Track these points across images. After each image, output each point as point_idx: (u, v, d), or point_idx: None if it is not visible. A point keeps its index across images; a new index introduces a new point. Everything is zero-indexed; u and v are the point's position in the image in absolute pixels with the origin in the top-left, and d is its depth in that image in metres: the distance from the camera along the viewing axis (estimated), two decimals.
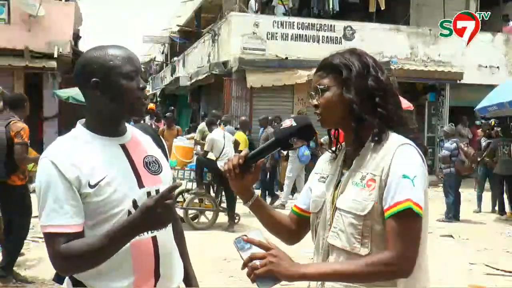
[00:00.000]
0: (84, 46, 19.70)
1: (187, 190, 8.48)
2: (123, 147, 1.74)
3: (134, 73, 1.70)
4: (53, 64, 13.64)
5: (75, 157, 1.64)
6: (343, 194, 1.65)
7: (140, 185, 1.72)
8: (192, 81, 17.20)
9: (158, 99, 24.17)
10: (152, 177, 1.77)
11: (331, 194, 1.70)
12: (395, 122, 1.64)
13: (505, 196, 9.96)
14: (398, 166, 1.54)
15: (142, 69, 28.23)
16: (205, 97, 18.05)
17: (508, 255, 6.99)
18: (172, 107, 18.50)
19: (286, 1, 15.82)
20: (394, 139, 1.61)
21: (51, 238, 1.60)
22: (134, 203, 1.69)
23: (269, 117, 11.58)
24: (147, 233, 1.69)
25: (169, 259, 1.79)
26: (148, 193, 1.73)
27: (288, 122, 1.69)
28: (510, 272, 5.98)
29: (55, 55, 13.76)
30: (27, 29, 13.84)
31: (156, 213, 1.54)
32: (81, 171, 1.62)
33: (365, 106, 1.61)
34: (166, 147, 2.00)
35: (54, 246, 1.59)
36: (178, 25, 23.47)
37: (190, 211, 8.27)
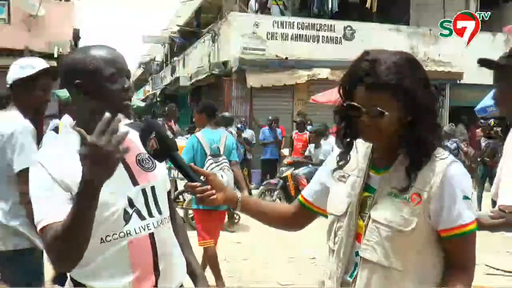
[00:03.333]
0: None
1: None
2: None
3: (117, 74, 1.68)
4: (53, 64, 13.61)
5: (64, 161, 1.62)
6: (379, 205, 1.57)
7: (134, 182, 1.72)
8: (192, 81, 17.20)
9: (158, 99, 24.17)
10: (146, 174, 1.76)
11: (356, 198, 1.63)
12: (439, 140, 1.59)
13: None
14: (457, 187, 1.52)
15: (143, 68, 27.82)
16: (205, 97, 18.05)
17: (508, 255, 6.99)
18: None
19: (279, 1, 15.85)
20: (441, 155, 1.56)
21: (44, 233, 1.54)
22: (130, 201, 1.69)
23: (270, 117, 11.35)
24: (143, 230, 1.69)
25: (169, 256, 1.78)
26: (143, 190, 1.73)
27: (151, 141, 1.66)
28: (510, 272, 5.98)
29: (55, 55, 13.75)
30: (27, 29, 13.84)
31: (98, 157, 1.33)
32: (71, 176, 1.59)
33: (420, 126, 1.53)
34: None
35: (46, 239, 1.53)
36: (178, 25, 23.47)
37: (190, 211, 8.26)
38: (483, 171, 10.31)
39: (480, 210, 10.29)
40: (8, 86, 2.94)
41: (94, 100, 1.68)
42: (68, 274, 1.72)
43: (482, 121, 11.88)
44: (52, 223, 1.52)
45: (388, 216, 1.53)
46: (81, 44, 18.51)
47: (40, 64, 2.93)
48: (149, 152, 1.69)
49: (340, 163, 1.71)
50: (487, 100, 10.56)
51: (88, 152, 1.33)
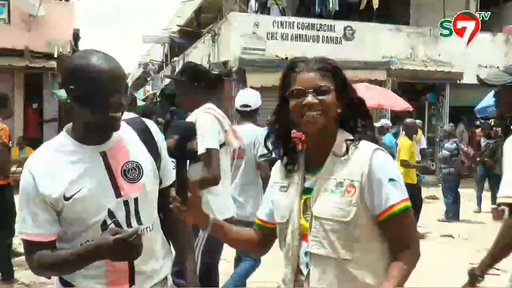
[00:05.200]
0: (83, 46, 19.70)
1: None
2: (104, 154, 1.75)
3: (111, 89, 1.67)
4: (53, 64, 13.64)
5: (52, 171, 1.69)
6: (319, 202, 1.66)
7: (117, 194, 1.74)
8: None
9: (158, 99, 24.15)
10: (130, 185, 1.77)
11: (297, 203, 1.71)
12: (366, 132, 1.71)
13: None
14: (382, 172, 1.63)
15: (143, 68, 27.67)
16: None
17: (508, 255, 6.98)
18: (173, 108, 18.45)
19: (279, 1, 15.84)
20: (365, 145, 1.67)
21: (24, 244, 1.74)
22: (110, 212, 1.73)
23: None
24: None
25: (146, 263, 1.82)
26: (125, 202, 1.76)
27: (170, 140, 1.69)
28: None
29: (55, 55, 13.77)
30: (27, 29, 13.85)
31: (115, 250, 1.58)
32: (57, 185, 1.67)
33: (349, 114, 1.70)
34: (159, 142, 1.93)
35: (26, 252, 1.75)
36: (178, 25, 23.45)
37: None
38: (483, 171, 10.31)
39: (480, 210, 10.30)
40: (247, 109, 4.39)
41: (84, 108, 1.69)
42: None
43: (482, 121, 11.87)
44: (33, 240, 1.71)
45: (328, 210, 1.63)
46: (81, 44, 18.50)
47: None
48: (167, 145, 1.73)
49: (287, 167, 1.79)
50: (487, 100, 10.56)
51: (117, 245, 1.57)
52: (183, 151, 1.68)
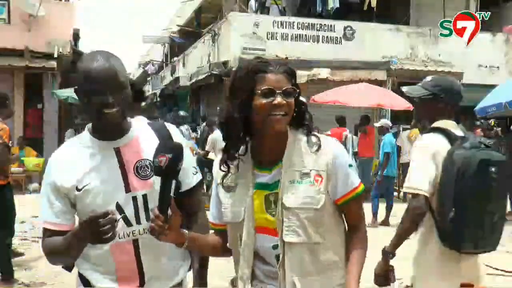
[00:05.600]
0: (83, 46, 19.71)
1: None
2: (118, 151, 1.81)
3: (98, 92, 1.70)
4: (53, 64, 13.65)
5: (69, 163, 1.80)
6: (287, 194, 1.72)
7: (127, 189, 1.79)
8: (192, 81, 17.19)
9: (158, 99, 24.16)
10: (141, 182, 1.81)
11: (251, 200, 1.74)
12: (312, 130, 1.82)
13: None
14: (343, 160, 1.77)
15: (142, 68, 27.60)
16: (205, 97, 18.04)
17: (508, 255, 6.98)
18: (177, 107, 18.46)
19: (279, 1, 15.85)
20: (324, 138, 1.79)
21: (42, 231, 1.86)
22: (119, 207, 1.77)
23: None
24: (128, 236, 1.79)
25: (156, 262, 1.84)
26: (134, 198, 1.80)
27: (162, 158, 1.62)
28: (510, 272, 5.98)
29: (55, 55, 13.77)
30: (27, 29, 13.85)
31: (89, 231, 1.63)
32: (71, 176, 1.78)
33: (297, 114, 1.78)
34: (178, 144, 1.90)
35: (42, 238, 1.86)
36: (178, 25, 23.46)
37: None
38: None
39: None
40: None
41: (85, 107, 1.78)
42: (77, 270, 1.91)
43: (481, 121, 11.87)
44: (48, 228, 1.82)
45: (299, 200, 1.72)
46: (81, 44, 18.51)
47: None
48: (153, 163, 1.67)
49: (225, 170, 1.80)
50: (487, 100, 10.56)
51: (89, 226, 1.62)
52: (173, 171, 1.65)
